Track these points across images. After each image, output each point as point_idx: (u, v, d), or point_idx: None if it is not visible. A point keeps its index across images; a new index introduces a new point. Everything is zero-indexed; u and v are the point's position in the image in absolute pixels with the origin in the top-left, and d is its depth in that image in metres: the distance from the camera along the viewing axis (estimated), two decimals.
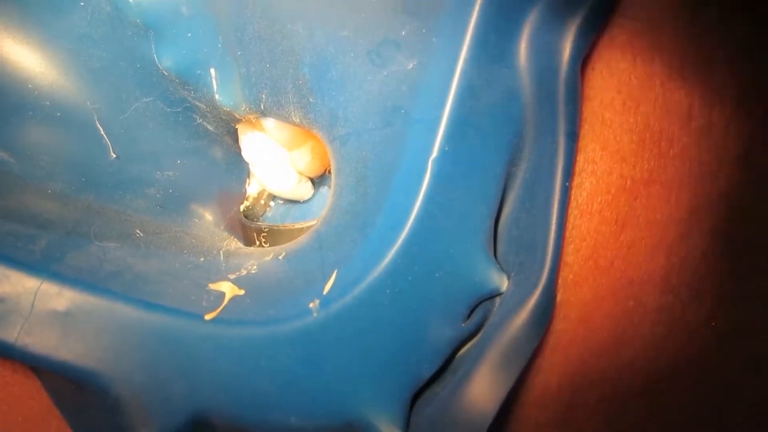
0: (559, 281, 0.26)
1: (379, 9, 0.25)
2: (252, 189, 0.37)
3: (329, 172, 0.34)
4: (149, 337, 0.25)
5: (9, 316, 0.25)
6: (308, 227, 0.32)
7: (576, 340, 0.27)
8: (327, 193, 0.37)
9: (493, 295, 0.27)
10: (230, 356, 0.25)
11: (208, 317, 0.25)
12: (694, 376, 0.27)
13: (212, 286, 0.27)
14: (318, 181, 0.37)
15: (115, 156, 0.31)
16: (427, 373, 0.26)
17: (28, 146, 0.30)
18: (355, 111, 0.27)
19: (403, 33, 0.26)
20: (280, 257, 0.29)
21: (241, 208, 0.37)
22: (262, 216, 0.38)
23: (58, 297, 0.25)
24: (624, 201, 0.26)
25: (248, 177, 0.37)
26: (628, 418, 0.28)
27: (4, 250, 0.25)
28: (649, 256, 0.26)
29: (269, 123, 0.32)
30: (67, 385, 0.26)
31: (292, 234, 0.33)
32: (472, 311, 0.27)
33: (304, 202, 0.37)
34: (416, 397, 0.27)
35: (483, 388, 0.26)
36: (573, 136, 0.25)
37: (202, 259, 0.29)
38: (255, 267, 0.29)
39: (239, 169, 0.37)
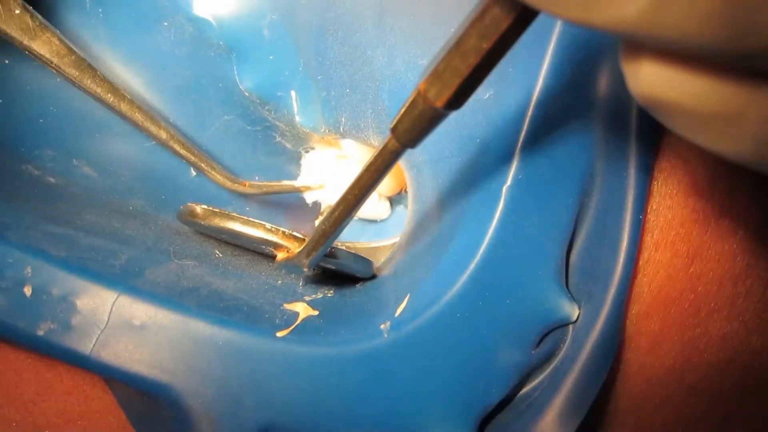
0: (632, 312, 0.27)
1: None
2: (326, 205, 0.37)
3: (405, 191, 0.34)
4: (222, 352, 0.25)
5: (86, 327, 0.25)
6: (384, 246, 0.33)
7: (644, 368, 0.27)
8: (402, 211, 0.38)
9: (564, 323, 0.27)
10: (301, 373, 0.25)
11: (280, 334, 0.26)
12: (759, 399, 0.27)
13: (287, 306, 0.27)
14: (394, 199, 0.38)
15: (195, 174, 0.32)
16: (495, 398, 0.26)
17: (111, 162, 0.30)
18: (432, 139, 0.28)
19: None
20: (358, 285, 0.30)
21: (316, 223, 0.37)
22: None
23: (133, 310, 0.25)
24: (696, 234, 0.26)
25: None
26: None
27: (85, 264, 0.26)
28: (716, 286, 0.26)
29: (348, 144, 0.32)
30: (139, 397, 0.26)
31: (368, 252, 0.33)
32: (542, 339, 0.27)
33: (376, 221, 0.38)
34: (485, 423, 0.27)
35: (555, 420, 0.26)
36: (646, 170, 0.26)
37: (279, 281, 0.29)
38: (332, 291, 0.29)
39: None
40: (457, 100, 0.20)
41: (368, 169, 0.23)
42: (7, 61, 0.31)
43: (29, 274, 0.25)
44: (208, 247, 0.30)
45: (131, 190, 0.31)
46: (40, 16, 0.27)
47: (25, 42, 0.28)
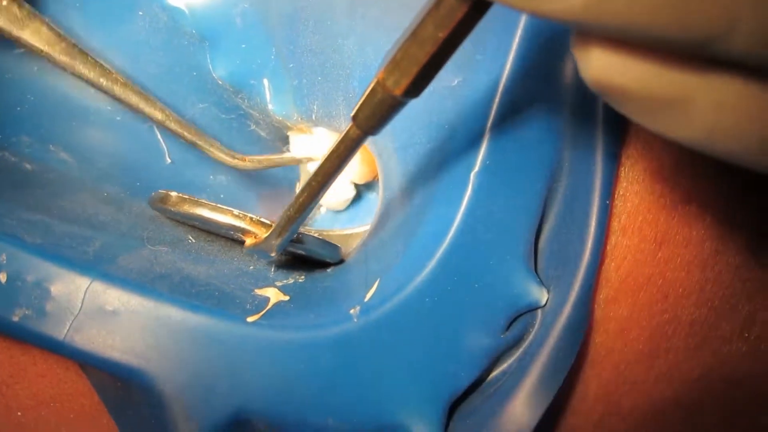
0: (600, 297, 0.27)
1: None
2: None
3: (377, 178, 0.35)
4: (193, 337, 0.26)
5: (59, 313, 0.25)
6: (356, 233, 0.33)
7: (613, 353, 0.27)
8: (375, 199, 0.38)
9: (533, 308, 0.27)
10: (271, 358, 0.26)
11: (250, 319, 0.26)
12: (729, 385, 0.28)
13: (258, 291, 0.28)
14: (366, 187, 0.38)
15: (170, 161, 0.32)
16: (465, 382, 0.27)
17: (87, 149, 0.31)
18: (402, 126, 0.28)
19: None
20: (329, 270, 0.30)
21: None
22: (311, 220, 0.39)
23: (106, 296, 0.26)
24: (663, 219, 0.26)
25: (298, 181, 0.38)
26: (663, 426, 0.28)
27: (59, 251, 0.26)
28: (684, 272, 0.27)
29: (320, 131, 0.33)
30: (113, 382, 0.27)
31: (340, 239, 0.34)
32: (511, 323, 0.27)
33: (347, 208, 0.38)
34: (455, 407, 0.27)
35: (524, 402, 0.26)
36: (613, 156, 0.26)
37: (251, 267, 0.30)
38: (303, 277, 0.29)
39: (289, 174, 0.37)
40: (415, 89, 0.20)
41: (331, 156, 0.23)
42: None
43: (4, 261, 0.25)
44: (181, 233, 0.30)
45: (107, 176, 0.32)
46: (27, 5, 0.28)
47: (14, 32, 0.28)
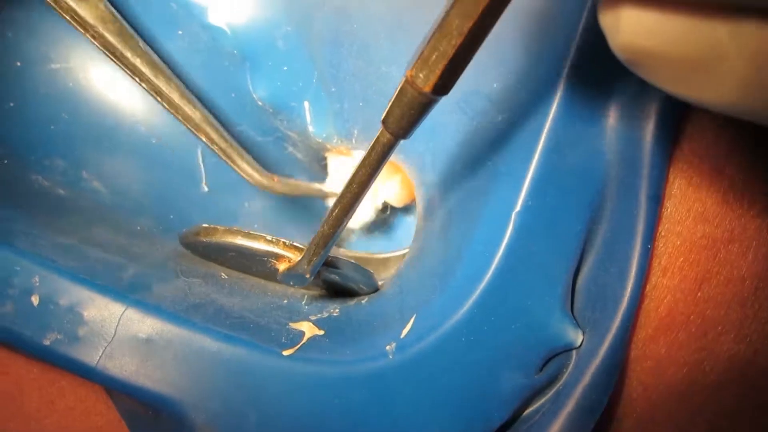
0: (639, 336, 0.27)
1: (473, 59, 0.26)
2: None
3: (414, 201, 0.34)
4: (227, 368, 0.26)
5: (92, 339, 0.25)
6: (392, 257, 0.33)
7: (648, 390, 0.27)
8: (411, 222, 0.38)
9: (568, 349, 0.27)
10: (304, 392, 0.26)
11: (285, 353, 0.26)
12: (762, 413, 0.28)
13: (292, 325, 0.27)
14: (403, 210, 0.38)
15: (207, 189, 0.32)
16: (498, 421, 0.27)
17: (120, 177, 0.30)
18: (443, 158, 0.28)
19: (495, 86, 0.26)
20: (363, 301, 0.30)
21: None
22: (345, 243, 0.38)
23: (140, 324, 0.25)
24: (705, 259, 0.26)
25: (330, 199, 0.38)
26: None
27: (92, 275, 0.26)
28: (724, 310, 0.26)
29: (359, 154, 0.32)
30: (144, 410, 0.26)
31: (376, 263, 0.34)
32: (546, 363, 0.27)
33: (383, 231, 0.38)
34: None
35: None
36: (656, 199, 0.26)
37: (285, 301, 0.30)
38: (337, 310, 0.29)
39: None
40: (444, 85, 0.20)
41: (363, 165, 0.23)
42: (18, 64, 0.31)
43: (37, 283, 0.25)
44: (213, 269, 0.30)
45: (140, 208, 0.31)
46: None
47: (71, 3, 0.27)
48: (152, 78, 0.29)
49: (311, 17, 0.31)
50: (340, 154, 0.34)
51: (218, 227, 0.28)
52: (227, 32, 0.31)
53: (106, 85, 0.30)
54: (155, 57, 0.29)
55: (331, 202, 0.35)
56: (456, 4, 0.18)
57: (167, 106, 0.29)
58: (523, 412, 0.28)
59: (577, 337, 0.26)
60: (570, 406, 0.26)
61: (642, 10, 0.16)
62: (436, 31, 0.19)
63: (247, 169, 0.31)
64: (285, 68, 0.31)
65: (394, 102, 0.21)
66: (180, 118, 0.29)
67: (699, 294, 0.26)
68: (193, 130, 0.30)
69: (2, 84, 0.30)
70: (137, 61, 0.29)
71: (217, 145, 0.30)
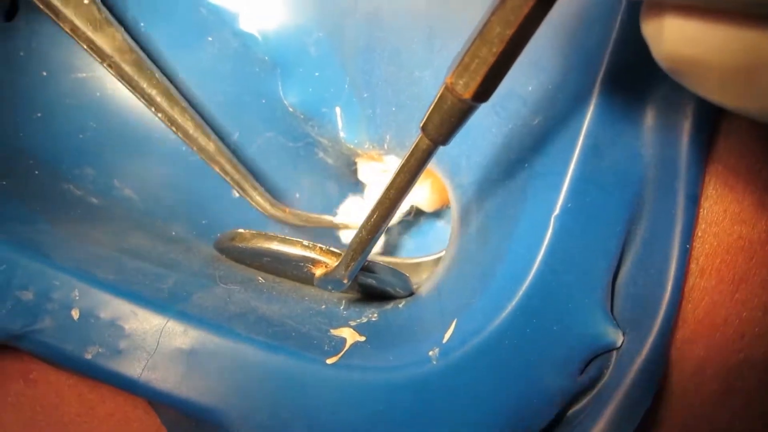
0: (677, 338, 0.27)
1: None
2: None
3: (447, 206, 0.34)
4: (271, 378, 0.25)
5: (134, 351, 0.25)
6: (425, 262, 0.33)
7: (687, 392, 0.27)
8: (443, 227, 0.38)
9: (609, 349, 0.27)
10: (349, 400, 0.26)
11: (329, 361, 0.26)
12: None
13: (334, 332, 0.27)
14: (434, 215, 0.38)
15: (237, 195, 0.32)
16: (540, 424, 0.27)
17: (151, 185, 0.30)
18: (478, 161, 0.28)
19: (530, 88, 0.26)
20: (401, 305, 0.30)
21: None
22: (378, 247, 0.38)
23: (183, 336, 0.25)
24: (742, 261, 0.26)
25: (360, 196, 0.38)
26: None
27: (132, 287, 0.26)
28: (761, 312, 0.27)
29: (390, 159, 0.32)
30: (187, 421, 0.26)
31: (409, 268, 0.34)
32: (587, 365, 0.27)
33: (415, 236, 0.38)
34: None
35: None
36: (694, 199, 0.26)
37: (323, 306, 0.30)
38: (376, 315, 0.29)
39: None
40: (485, 91, 0.20)
41: (401, 171, 0.23)
42: (44, 73, 0.30)
43: (77, 297, 0.25)
44: (250, 274, 0.30)
45: (173, 214, 0.31)
46: (106, 10, 0.27)
47: (89, 33, 0.27)
48: (168, 109, 0.29)
49: (343, 24, 0.31)
50: (371, 160, 0.34)
51: (254, 232, 0.28)
52: (258, 39, 0.31)
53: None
54: (172, 88, 0.29)
55: (342, 234, 0.35)
56: (497, 12, 0.18)
57: (182, 136, 0.29)
58: (566, 413, 0.28)
59: (618, 338, 0.27)
60: (612, 407, 0.26)
61: (685, 20, 0.16)
62: (476, 38, 0.19)
63: (260, 201, 0.32)
64: (316, 74, 0.31)
65: (433, 109, 0.21)
66: (195, 148, 0.29)
67: (736, 296, 0.27)
68: (207, 160, 0.30)
69: (29, 94, 0.30)
70: (153, 92, 0.29)
71: (230, 176, 0.30)
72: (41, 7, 0.27)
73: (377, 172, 0.34)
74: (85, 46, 0.28)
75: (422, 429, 0.26)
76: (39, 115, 0.30)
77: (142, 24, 0.30)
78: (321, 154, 0.34)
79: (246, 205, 0.33)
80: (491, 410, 0.26)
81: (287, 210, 0.32)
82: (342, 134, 0.32)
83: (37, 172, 0.29)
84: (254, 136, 0.32)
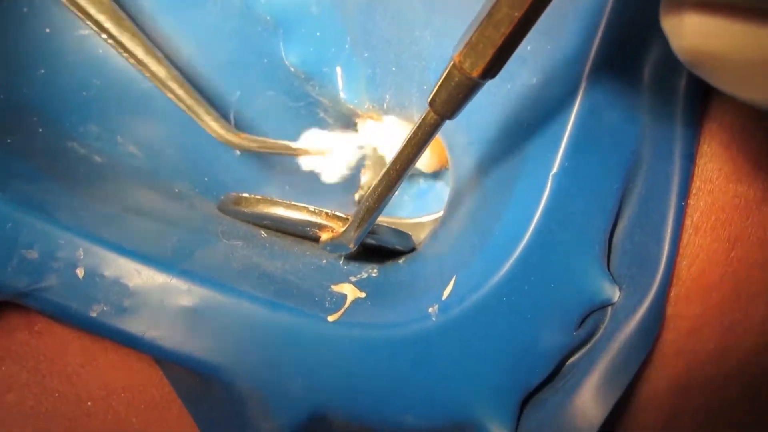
0: (671, 295, 0.27)
1: None
2: (365, 179, 0.38)
3: (445, 168, 0.35)
4: (273, 335, 0.26)
5: (139, 309, 0.26)
6: (424, 222, 0.33)
7: (684, 351, 0.28)
8: (442, 188, 0.38)
9: (605, 305, 0.27)
10: (350, 357, 0.26)
11: (331, 318, 0.26)
12: None
13: (334, 288, 0.28)
14: (433, 176, 0.38)
15: (239, 153, 0.32)
16: (537, 379, 0.27)
17: (154, 141, 0.31)
18: (477, 120, 0.28)
19: (529, 48, 0.27)
20: (400, 261, 0.30)
21: (356, 197, 0.38)
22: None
23: (187, 294, 0.26)
24: (737, 219, 0.27)
25: (363, 168, 0.38)
26: (731, 422, 0.29)
27: (136, 246, 0.26)
28: (757, 272, 0.27)
29: (390, 120, 0.33)
30: (191, 377, 0.27)
31: (408, 228, 0.34)
32: (583, 320, 0.27)
33: (416, 197, 0.38)
34: (526, 401, 0.28)
35: (592, 396, 0.27)
36: (690, 158, 0.26)
37: (324, 261, 0.30)
38: (375, 271, 0.30)
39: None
40: (492, 69, 0.20)
41: (409, 143, 0.24)
42: (47, 30, 0.31)
43: (81, 256, 0.26)
44: (252, 229, 0.31)
45: (176, 171, 0.32)
46: None
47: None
48: (117, 34, 0.29)
49: None
50: (371, 119, 0.34)
51: (258, 197, 0.29)
52: None
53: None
54: (121, 12, 0.29)
55: (301, 160, 0.35)
56: None
57: (133, 62, 0.29)
58: (562, 367, 0.28)
59: (615, 293, 0.27)
60: (606, 361, 0.27)
61: (704, 15, 0.16)
62: (484, 19, 0.19)
63: (214, 126, 0.31)
64: (318, 34, 0.32)
65: (441, 85, 0.22)
66: (148, 74, 0.29)
67: (732, 254, 0.27)
68: (159, 85, 0.30)
69: (32, 51, 0.30)
70: (101, 18, 0.28)
71: (183, 102, 0.30)
72: None
73: (377, 133, 0.35)
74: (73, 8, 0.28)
75: (420, 385, 0.26)
76: (42, 71, 0.30)
77: None
78: (321, 114, 0.35)
79: (246, 162, 0.33)
80: (489, 365, 0.27)
81: (241, 135, 0.32)
82: (342, 94, 0.33)
83: (41, 130, 0.30)
84: (256, 95, 0.32)
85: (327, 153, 0.34)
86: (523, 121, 0.27)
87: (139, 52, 0.29)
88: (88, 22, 0.28)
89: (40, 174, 0.28)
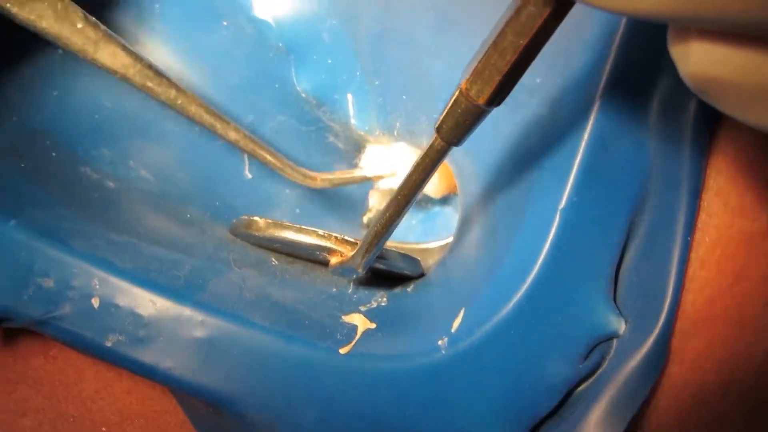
0: (677, 328, 0.28)
1: None
2: (374, 201, 0.38)
3: (452, 193, 0.35)
4: (286, 367, 0.26)
5: (153, 340, 0.26)
6: (432, 248, 0.34)
7: (689, 384, 0.28)
8: (451, 213, 0.39)
9: (611, 337, 0.28)
10: (361, 388, 0.27)
11: (342, 351, 0.27)
12: None
13: (345, 319, 0.28)
14: (441, 201, 0.38)
15: (250, 176, 0.32)
16: (544, 409, 0.28)
17: (166, 165, 0.31)
18: (487, 149, 0.28)
19: (538, 80, 0.27)
20: (409, 289, 0.31)
21: (364, 219, 0.38)
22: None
23: (201, 325, 0.26)
24: (742, 254, 0.27)
25: (371, 189, 0.38)
26: None
27: (150, 276, 0.26)
28: (761, 306, 0.27)
29: (399, 145, 0.33)
30: (204, 406, 0.27)
31: (416, 254, 0.34)
32: (590, 352, 0.28)
33: (422, 222, 0.39)
34: (533, 431, 0.28)
35: (598, 426, 0.27)
36: (696, 194, 0.26)
37: (333, 289, 0.30)
38: (385, 299, 0.30)
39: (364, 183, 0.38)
40: (498, 97, 0.21)
41: (416, 169, 0.24)
42: (60, 52, 0.31)
43: (96, 286, 0.26)
44: (263, 255, 0.31)
45: (187, 196, 0.32)
46: (102, 27, 0.27)
47: (90, 55, 0.28)
48: (185, 107, 0.29)
49: (356, 11, 0.31)
50: (379, 144, 0.34)
51: (269, 221, 0.29)
52: (272, 25, 0.31)
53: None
54: (183, 87, 0.29)
55: (380, 185, 0.36)
56: (511, 22, 0.19)
57: (204, 128, 0.30)
58: (569, 398, 0.29)
59: (621, 326, 0.27)
60: (612, 393, 0.27)
61: (711, 43, 0.16)
62: (490, 47, 0.19)
63: (292, 173, 0.32)
64: (329, 61, 0.32)
65: (448, 112, 0.22)
66: (231, 139, 0.30)
67: (736, 288, 0.27)
68: (243, 149, 0.31)
69: (45, 73, 0.30)
70: (167, 95, 0.29)
71: (258, 157, 0.31)
72: (40, 35, 0.27)
73: (385, 158, 0.35)
74: (91, 63, 0.28)
75: (431, 417, 0.27)
76: (55, 93, 0.30)
77: (157, 6, 0.30)
78: (332, 139, 0.35)
79: (256, 186, 0.33)
80: (497, 397, 0.27)
81: (318, 177, 0.32)
82: (353, 121, 0.33)
83: (54, 154, 0.30)
84: (267, 118, 0.33)
85: (397, 173, 0.35)
86: (532, 151, 0.27)
87: (207, 120, 0.30)
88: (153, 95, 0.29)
89: (54, 200, 0.28)
